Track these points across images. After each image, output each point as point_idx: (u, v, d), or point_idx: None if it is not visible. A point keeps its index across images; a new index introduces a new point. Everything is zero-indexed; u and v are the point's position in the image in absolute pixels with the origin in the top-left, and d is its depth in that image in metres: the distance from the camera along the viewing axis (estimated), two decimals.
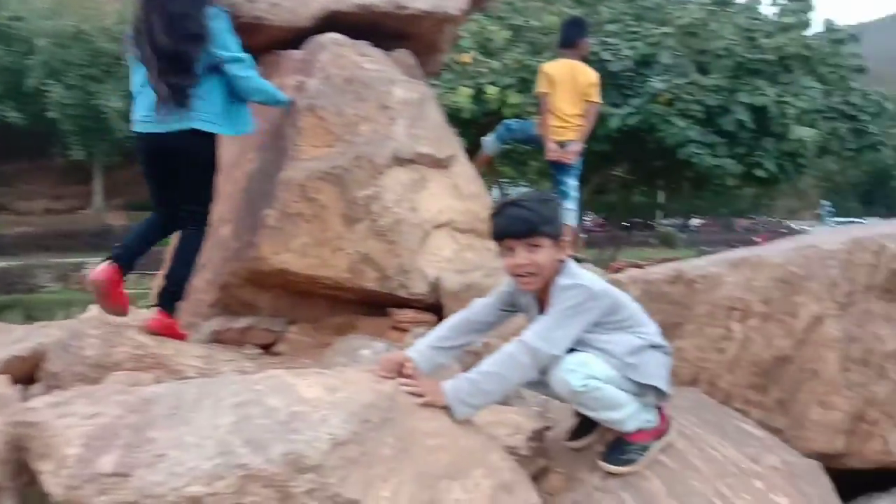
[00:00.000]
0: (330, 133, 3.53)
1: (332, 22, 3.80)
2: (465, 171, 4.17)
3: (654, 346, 2.11)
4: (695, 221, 39.16)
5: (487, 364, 1.98)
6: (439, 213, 3.81)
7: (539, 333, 1.98)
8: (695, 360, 2.57)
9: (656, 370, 2.08)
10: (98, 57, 26.99)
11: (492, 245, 4.05)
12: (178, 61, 2.98)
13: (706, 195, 13.13)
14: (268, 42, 3.80)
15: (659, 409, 2.16)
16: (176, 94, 2.98)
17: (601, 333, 2.06)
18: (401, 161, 3.70)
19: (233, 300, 3.73)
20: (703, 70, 8.79)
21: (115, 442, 1.70)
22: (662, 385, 2.08)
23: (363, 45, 3.78)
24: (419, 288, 3.52)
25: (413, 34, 4.18)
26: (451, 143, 4.10)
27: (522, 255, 2.04)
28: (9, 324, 4.28)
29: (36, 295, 12.81)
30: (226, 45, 3.07)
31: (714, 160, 8.54)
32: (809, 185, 39.14)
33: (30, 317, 10.52)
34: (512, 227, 2.07)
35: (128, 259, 3.12)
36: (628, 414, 2.08)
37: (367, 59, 3.74)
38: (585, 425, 2.27)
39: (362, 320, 3.69)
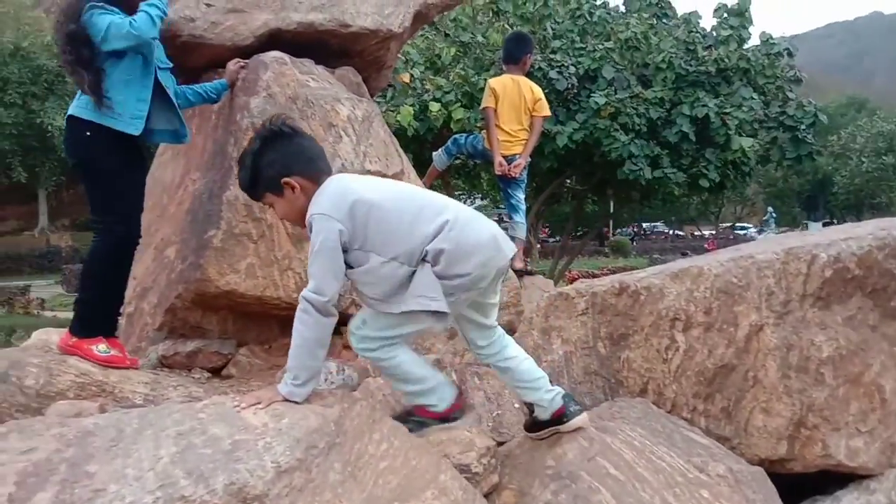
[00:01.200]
0: None
1: (274, 40, 3.77)
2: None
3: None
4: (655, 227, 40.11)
5: (293, 345, 1.98)
6: None
7: (309, 285, 1.96)
8: (643, 371, 2.61)
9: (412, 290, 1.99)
10: (40, 74, 26.32)
11: None
12: (65, 63, 2.95)
13: (655, 204, 13.40)
14: (209, 61, 3.74)
15: (460, 391, 2.30)
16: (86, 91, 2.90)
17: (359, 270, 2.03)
18: None
19: (180, 323, 3.64)
20: (645, 83, 9.00)
21: (52, 478, 1.65)
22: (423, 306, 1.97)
23: (307, 63, 3.76)
24: None
25: (357, 51, 4.17)
26: (398, 160, 4.09)
27: (274, 211, 2.19)
28: None
29: None
30: (99, 29, 2.84)
31: (656, 172, 8.73)
32: (754, 192, 40.36)
33: None
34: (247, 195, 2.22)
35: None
36: (417, 391, 2.22)
37: (310, 77, 3.72)
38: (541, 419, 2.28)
39: None
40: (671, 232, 44.10)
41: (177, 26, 3.51)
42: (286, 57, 3.64)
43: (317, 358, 1.99)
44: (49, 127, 25.10)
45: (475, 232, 2.06)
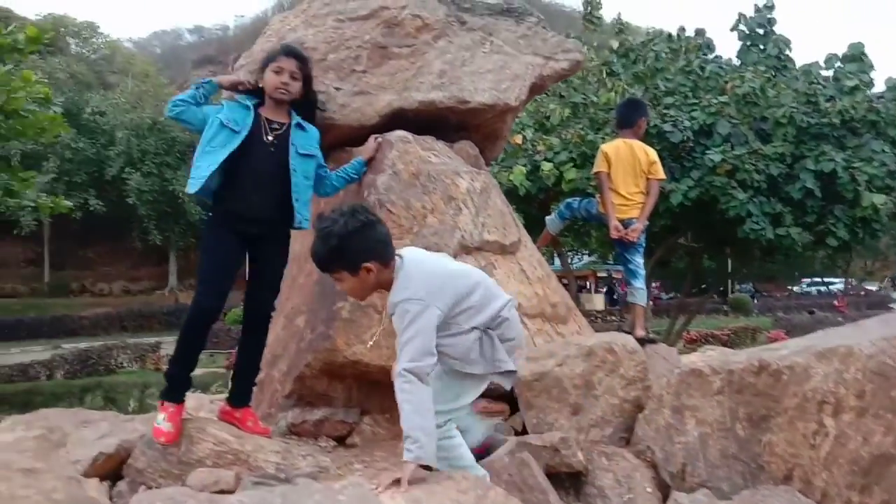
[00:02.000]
0: (399, 226, 3.61)
1: (396, 118, 3.95)
2: (530, 255, 4.19)
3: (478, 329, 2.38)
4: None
5: (404, 414, 2.18)
6: None
7: (404, 358, 2.20)
8: (787, 456, 2.45)
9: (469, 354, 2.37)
10: (173, 146, 28.65)
11: (563, 330, 4.04)
12: None
13: (777, 259, 12.74)
14: (338, 140, 3.96)
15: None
16: None
17: (445, 336, 2.32)
18: (468, 249, 3.75)
19: (308, 391, 3.77)
20: (763, 138, 8.68)
21: None
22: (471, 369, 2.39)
23: (428, 140, 3.90)
24: None
25: (475, 125, 4.30)
26: (515, 229, 4.14)
27: (338, 284, 2.43)
28: (90, 410, 4.41)
29: (114, 376, 13.23)
30: None
31: (779, 230, 8.31)
32: (886, 245, 37.58)
33: (109, 399, 10.87)
34: (316, 265, 2.44)
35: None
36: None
37: (432, 153, 3.85)
38: None
39: None
40: (794, 288, 41.53)
41: None
42: (410, 136, 3.80)
43: (429, 419, 2.19)
44: (180, 194, 27.09)
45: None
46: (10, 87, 5.94)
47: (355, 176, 3.67)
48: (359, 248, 2.31)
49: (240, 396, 3.35)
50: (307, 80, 3.35)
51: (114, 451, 3.31)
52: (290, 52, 3.32)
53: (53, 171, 26.94)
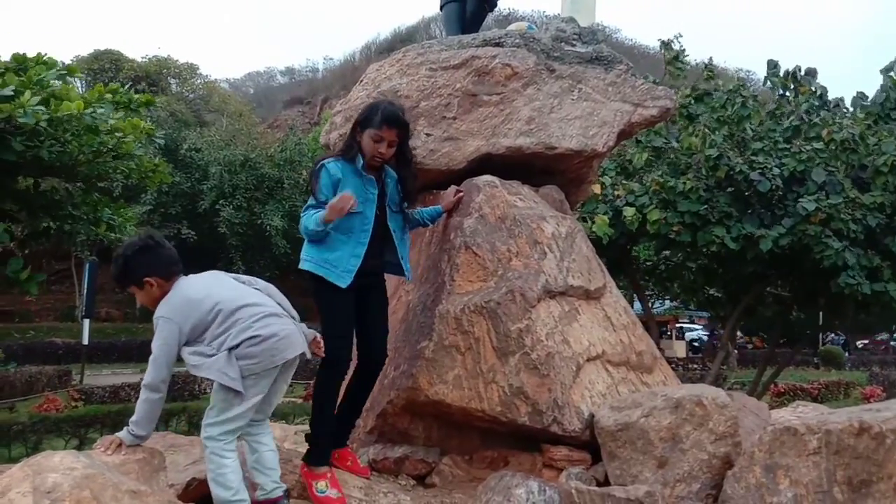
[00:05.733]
0: (484, 268, 3.67)
1: (483, 163, 4.03)
2: (615, 301, 4.16)
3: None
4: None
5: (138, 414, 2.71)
6: (591, 346, 3.79)
7: (148, 370, 2.66)
8: None
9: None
10: (263, 181, 29.76)
11: (648, 379, 3.97)
12: None
13: (872, 313, 12.08)
14: (427, 183, 4.07)
15: None
16: None
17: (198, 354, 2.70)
18: (552, 294, 3.76)
19: (389, 428, 3.83)
20: (862, 187, 8.32)
21: None
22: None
23: (514, 185, 3.96)
24: (573, 425, 3.46)
25: (560, 170, 4.33)
26: (601, 275, 4.12)
27: (137, 297, 2.84)
28: (177, 434, 4.58)
29: (197, 402, 13.68)
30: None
31: (875, 286, 7.88)
32: None
33: (192, 423, 11.24)
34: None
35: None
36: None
37: (518, 197, 3.91)
38: None
39: (515, 455, 3.66)
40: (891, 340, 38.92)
41: None
42: (497, 180, 3.87)
43: (148, 425, 2.78)
44: (267, 227, 28.04)
45: None
46: (123, 133, 6.41)
47: (429, 222, 3.75)
48: (141, 265, 2.75)
49: (340, 437, 3.43)
50: (404, 141, 3.34)
51: (205, 478, 3.44)
52: (394, 122, 3.23)
53: (151, 202, 28.42)
